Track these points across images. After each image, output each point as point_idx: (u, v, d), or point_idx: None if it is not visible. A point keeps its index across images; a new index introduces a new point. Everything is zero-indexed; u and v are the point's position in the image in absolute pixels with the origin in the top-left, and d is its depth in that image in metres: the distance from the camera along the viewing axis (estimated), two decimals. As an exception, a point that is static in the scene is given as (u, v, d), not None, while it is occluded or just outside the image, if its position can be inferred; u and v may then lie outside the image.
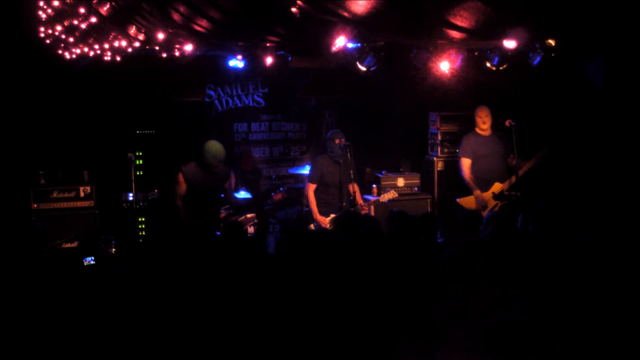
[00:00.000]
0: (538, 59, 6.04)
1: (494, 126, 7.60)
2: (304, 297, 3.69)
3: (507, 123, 7.32)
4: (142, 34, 6.38)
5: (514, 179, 7.29)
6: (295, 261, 4.04)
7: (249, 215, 7.78)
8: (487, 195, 7.44)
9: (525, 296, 3.38)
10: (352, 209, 7.12)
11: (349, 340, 3.39)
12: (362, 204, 7.23)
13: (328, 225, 7.15)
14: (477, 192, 7.44)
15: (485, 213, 7.31)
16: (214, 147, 6.63)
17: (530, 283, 3.54)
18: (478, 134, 7.60)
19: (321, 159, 7.31)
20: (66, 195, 7.96)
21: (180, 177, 6.60)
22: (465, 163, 7.57)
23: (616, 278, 3.51)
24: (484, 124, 7.56)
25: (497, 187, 7.41)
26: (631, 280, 3.46)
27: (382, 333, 3.40)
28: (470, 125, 8.61)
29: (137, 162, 8.16)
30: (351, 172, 7.08)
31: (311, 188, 7.26)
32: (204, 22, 5.56)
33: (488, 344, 3.15)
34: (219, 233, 6.76)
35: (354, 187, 7.21)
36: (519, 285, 3.54)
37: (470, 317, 3.35)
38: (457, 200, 7.65)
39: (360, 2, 4.13)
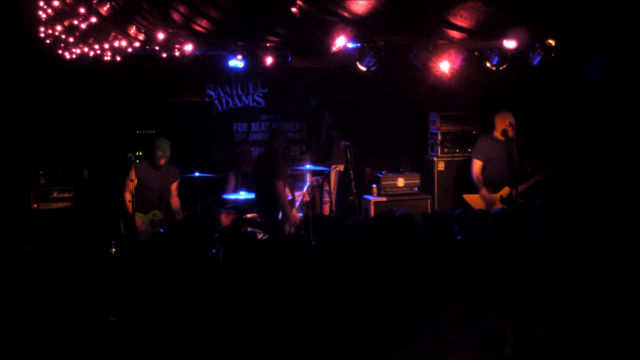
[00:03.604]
0: (538, 59, 6.04)
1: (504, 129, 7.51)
2: (305, 297, 3.69)
3: (507, 123, 7.32)
4: (142, 34, 6.38)
5: (524, 186, 7.28)
6: (297, 263, 4.04)
7: (249, 216, 7.79)
8: (495, 197, 7.44)
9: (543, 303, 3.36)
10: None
11: (350, 341, 3.40)
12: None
13: (298, 220, 7.63)
14: (484, 191, 7.45)
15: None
16: (160, 142, 7.14)
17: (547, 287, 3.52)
18: (494, 137, 7.53)
19: (278, 154, 7.73)
20: (66, 195, 7.96)
21: (132, 173, 6.88)
22: (476, 164, 7.57)
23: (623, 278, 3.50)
24: (503, 129, 7.41)
25: (506, 191, 7.40)
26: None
27: (383, 335, 3.40)
28: (469, 124, 8.63)
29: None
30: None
31: (282, 185, 7.46)
32: (204, 22, 5.57)
33: (494, 347, 3.15)
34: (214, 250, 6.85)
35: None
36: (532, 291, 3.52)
37: (476, 319, 3.34)
38: (463, 195, 7.69)
39: (360, 2, 4.14)
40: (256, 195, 7.76)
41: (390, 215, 4.52)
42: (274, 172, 7.39)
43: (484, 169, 7.53)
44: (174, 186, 7.31)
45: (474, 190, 7.60)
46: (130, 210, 6.84)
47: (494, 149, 7.48)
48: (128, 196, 6.87)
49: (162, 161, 7.09)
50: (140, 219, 7.02)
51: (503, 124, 7.37)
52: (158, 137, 7.24)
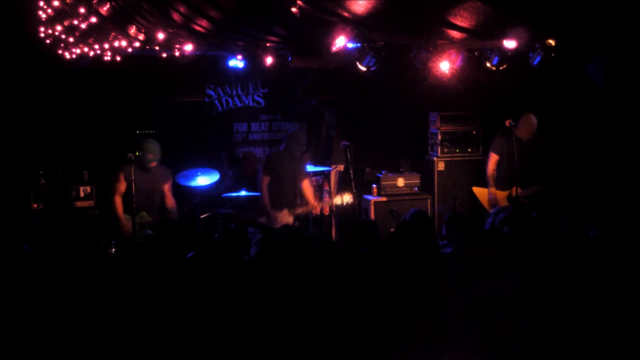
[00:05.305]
0: (538, 59, 6.04)
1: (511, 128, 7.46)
2: (307, 297, 3.69)
3: (507, 123, 7.31)
4: (142, 34, 6.38)
5: (535, 188, 7.28)
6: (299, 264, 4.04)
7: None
8: (503, 195, 7.44)
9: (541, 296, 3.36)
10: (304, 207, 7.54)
11: (351, 340, 3.40)
12: (314, 204, 7.57)
13: (279, 220, 7.35)
14: (492, 189, 7.51)
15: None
16: (150, 144, 7.08)
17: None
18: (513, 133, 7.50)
19: (275, 152, 7.69)
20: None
21: (121, 176, 6.97)
22: (492, 158, 7.61)
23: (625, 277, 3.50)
24: (524, 131, 7.41)
25: (515, 190, 7.40)
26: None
27: (385, 333, 3.40)
28: (469, 124, 8.63)
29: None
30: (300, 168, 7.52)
31: (265, 182, 7.43)
32: (204, 22, 5.57)
33: (494, 345, 3.14)
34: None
35: (306, 184, 7.58)
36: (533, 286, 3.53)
37: (477, 317, 3.34)
38: (472, 188, 7.72)
39: (360, 2, 4.13)
40: None
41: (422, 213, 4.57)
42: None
43: (498, 164, 7.55)
44: (167, 187, 7.28)
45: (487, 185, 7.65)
46: (120, 213, 6.98)
47: (509, 146, 7.46)
48: (118, 199, 7.00)
49: (154, 164, 7.08)
50: (129, 222, 7.00)
51: (525, 124, 7.33)
52: (148, 139, 7.22)
